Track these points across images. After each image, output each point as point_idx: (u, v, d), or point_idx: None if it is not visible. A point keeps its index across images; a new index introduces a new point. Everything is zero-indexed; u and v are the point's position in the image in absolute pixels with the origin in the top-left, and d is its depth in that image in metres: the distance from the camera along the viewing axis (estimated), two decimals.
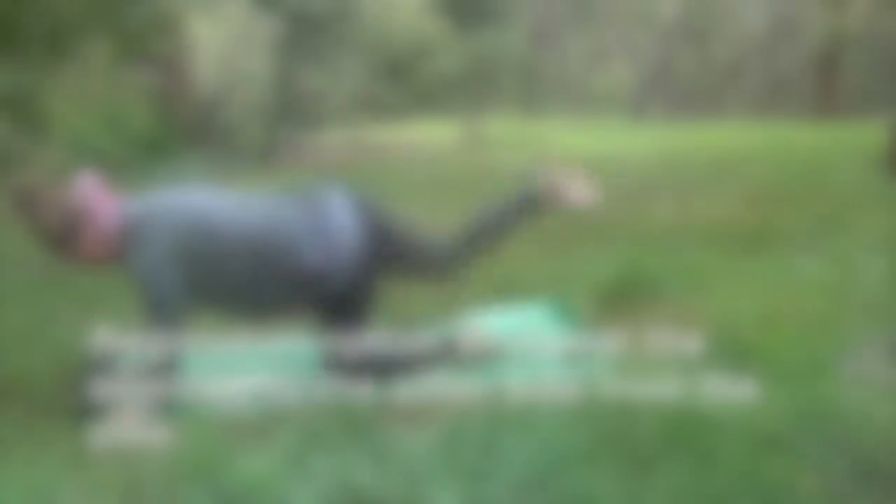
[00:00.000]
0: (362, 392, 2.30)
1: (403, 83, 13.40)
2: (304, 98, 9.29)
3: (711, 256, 3.48)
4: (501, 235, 2.54)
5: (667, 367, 2.18)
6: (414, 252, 2.55)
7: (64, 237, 2.26)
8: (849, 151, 6.55)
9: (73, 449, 1.97)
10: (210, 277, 2.33)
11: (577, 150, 8.03)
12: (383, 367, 2.44)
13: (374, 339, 2.71)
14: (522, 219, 2.56)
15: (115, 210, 2.29)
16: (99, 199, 2.28)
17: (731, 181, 5.44)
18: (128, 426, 2.12)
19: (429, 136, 11.18)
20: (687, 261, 3.47)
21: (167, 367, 2.27)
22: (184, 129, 8.65)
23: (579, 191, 2.54)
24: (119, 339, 2.77)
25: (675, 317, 2.75)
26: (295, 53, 8.64)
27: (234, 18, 21.04)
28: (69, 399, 2.36)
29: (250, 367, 2.71)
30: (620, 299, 3.06)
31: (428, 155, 8.29)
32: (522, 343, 2.63)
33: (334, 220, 2.40)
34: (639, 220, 4.44)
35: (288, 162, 8.51)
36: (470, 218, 2.59)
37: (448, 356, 2.62)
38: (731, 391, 1.86)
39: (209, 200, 2.37)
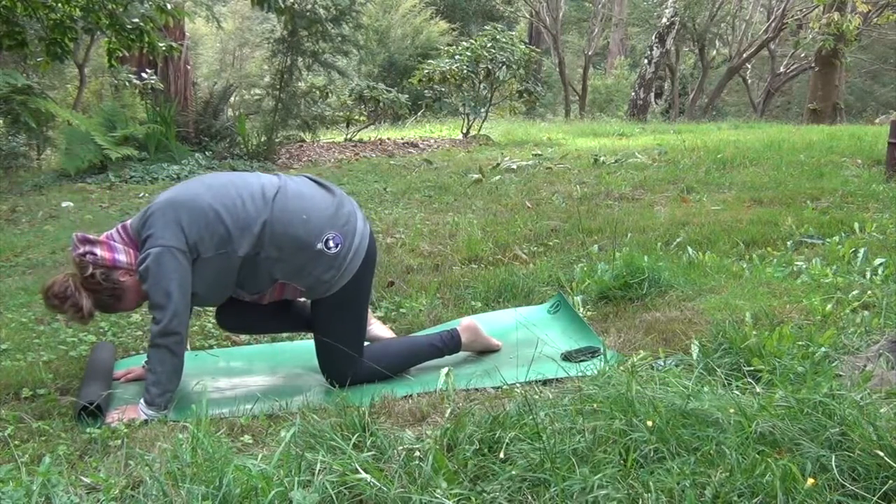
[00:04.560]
0: (362, 391, 2.30)
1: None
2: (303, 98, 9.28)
3: (711, 256, 3.48)
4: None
5: (667, 367, 2.18)
6: None
7: (114, 297, 2.31)
8: (849, 151, 6.55)
9: (73, 449, 1.97)
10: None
11: (582, 147, 8.03)
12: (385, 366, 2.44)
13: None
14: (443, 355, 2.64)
15: (121, 241, 2.31)
16: (102, 248, 2.29)
17: (731, 181, 5.44)
18: (127, 425, 2.12)
19: (430, 135, 11.19)
20: (687, 261, 3.47)
21: (170, 366, 2.26)
22: (184, 130, 8.64)
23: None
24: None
25: (676, 317, 2.75)
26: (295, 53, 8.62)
27: (233, 18, 21.05)
28: (69, 399, 2.37)
29: (251, 367, 2.71)
30: (620, 299, 3.06)
31: (428, 154, 8.29)
32: (523, 342, 2.63)
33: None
34: (640, 218, 4.44)
35: (288, 162, 8.51)
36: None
37: (449, 354, 2.63)
38: (729, 391, 1.86)
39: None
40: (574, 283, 3.29)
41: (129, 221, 2.35)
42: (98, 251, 2.28)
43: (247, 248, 2.26)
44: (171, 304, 2.22)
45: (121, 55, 7.07)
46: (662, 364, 2.26)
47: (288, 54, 8.70)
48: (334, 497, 1.51)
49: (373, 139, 10.59)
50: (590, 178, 6.02)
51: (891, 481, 1.44)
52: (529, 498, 1.52)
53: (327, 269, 2.33)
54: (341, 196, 2.46)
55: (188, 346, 2.83)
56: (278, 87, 8.79)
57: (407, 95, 11.51)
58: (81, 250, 2.28)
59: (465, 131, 10.65)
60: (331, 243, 2.32)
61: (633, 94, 15.72)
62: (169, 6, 6.56)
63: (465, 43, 10.93)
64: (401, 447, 1.70)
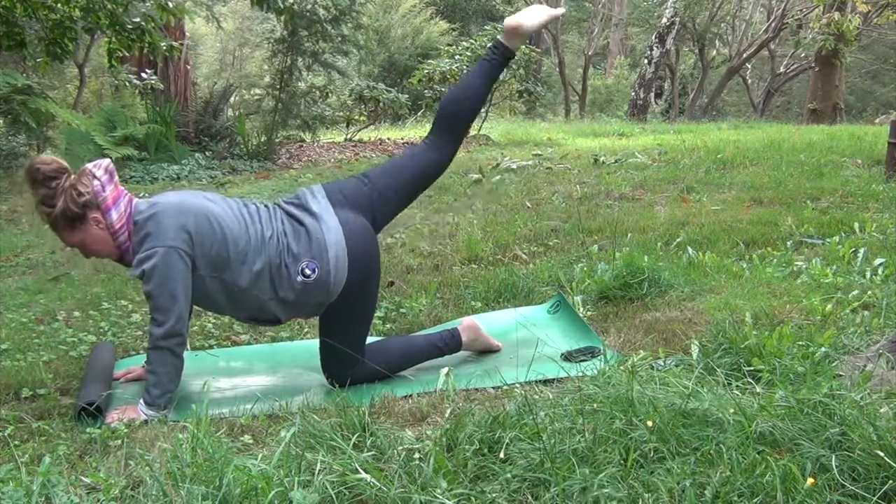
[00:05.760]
0: (362, 391, 2.30)
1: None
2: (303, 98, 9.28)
3: (711, 256, 3.48)
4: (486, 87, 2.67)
5: (667, 367, 2.18)
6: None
7: (73, 223, 2.25)
8: (849, 151, 6.55)
9: (73, 449, 1.97)
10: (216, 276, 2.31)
11: (582, 147, 8.03)
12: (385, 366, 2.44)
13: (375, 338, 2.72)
14: (498, 66, 2.65)
15: (125, 207, 2.29)
16: (112, 192, 2.28)
17: (731, 181, 5.44)
18: (127, 425, 2.12)
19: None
20: (687, 261, 3.47)
21: (171, 367, 2.26)
22: (184, 130, 8.64)
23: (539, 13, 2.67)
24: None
25: (676, 317, 2.75)
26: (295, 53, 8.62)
27: (233, 18, 21.03)
28: (69, 399, 2.37)
29: (251, 367, 2.71)
30: (620, 299, 3.06)
31: None
32: (523, 342, 2.63)
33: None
34: (640, 218, 4.44)
35: (288, 162, 8.51)
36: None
37: (449, 354, 2.63)
38: (729, 391, 1.86)
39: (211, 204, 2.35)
40: (574, 283, 3.29)
41: (135, 201, 2.34)
42: (108, 191, 2.27)
43: (244, 283, 2.29)
44: (176, 306, 2.21)
45: (121, 55, 7.06)
46: (662, 364, 2.26)
47: (288, 54, 8.70)
48: (334, 497, 1.51)
49: (373, 139, 10.59)
50: (590, 178, 6.02)
51: (891, 481, 1.43)
52: (529, 498, 1.52)
53: (316, 294, 2.36)
54: (308, 218, 2.40)
55: (188, 347, 2.83)
56: (278, 87, 8.79)
57: (407, 95, 11.51)
58: (98, 174, 2.27)
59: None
60: (307, 271, 2.33)
61: (633, 94, 15.72)
62: (170, 4, 6.56)
63: (465, 43, 10.92)
64: (401, 447, 1.70)
